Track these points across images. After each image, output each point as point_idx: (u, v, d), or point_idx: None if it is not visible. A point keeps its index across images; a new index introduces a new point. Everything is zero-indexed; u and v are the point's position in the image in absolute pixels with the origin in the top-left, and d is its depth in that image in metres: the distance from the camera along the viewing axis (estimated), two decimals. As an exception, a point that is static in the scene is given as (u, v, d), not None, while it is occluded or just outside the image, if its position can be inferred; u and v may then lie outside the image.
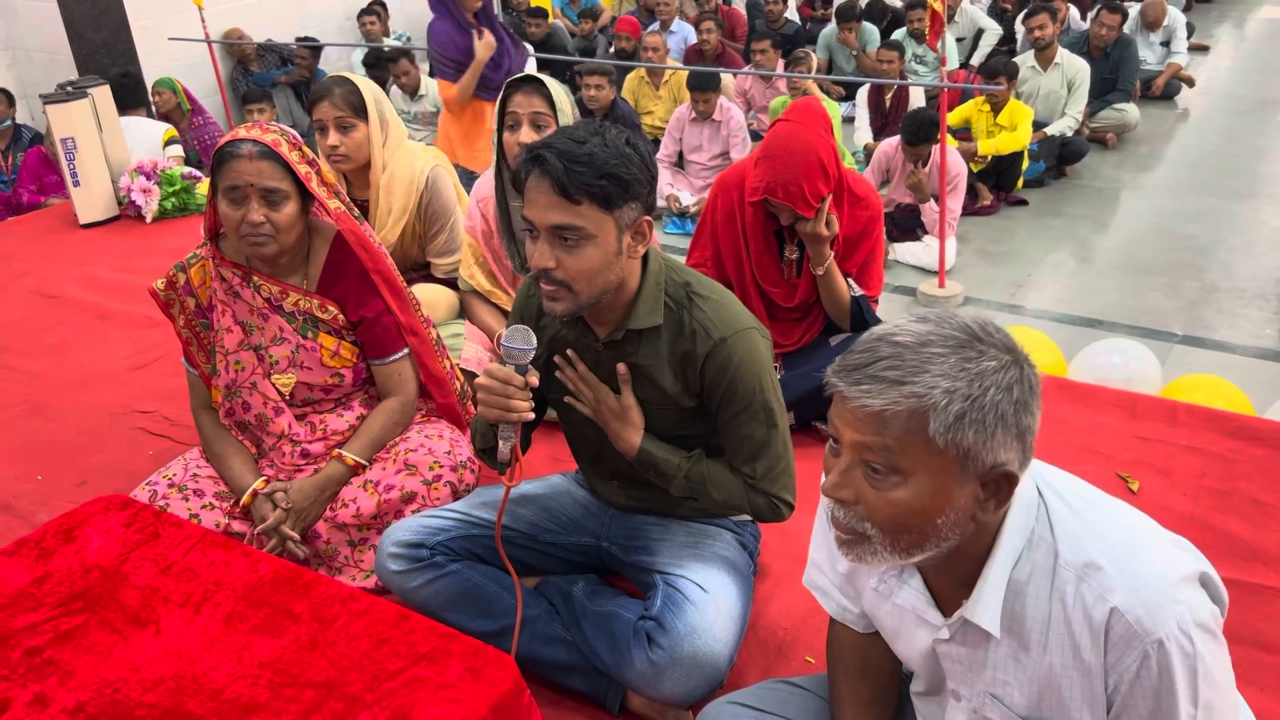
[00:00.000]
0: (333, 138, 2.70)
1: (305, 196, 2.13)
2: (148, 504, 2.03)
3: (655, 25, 8.25)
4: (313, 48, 7.53)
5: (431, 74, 7.07)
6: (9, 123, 5.99)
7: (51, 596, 1.71)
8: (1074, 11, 8.09)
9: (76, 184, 4.54)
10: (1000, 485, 1.12)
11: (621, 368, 1.77)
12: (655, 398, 1.80)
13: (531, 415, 1.68)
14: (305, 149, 2.14)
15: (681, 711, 1.81)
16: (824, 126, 2.49)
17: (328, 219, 2.21)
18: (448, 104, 4.60)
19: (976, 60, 7.62)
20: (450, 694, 1.44)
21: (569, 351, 1.81)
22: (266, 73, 7.58)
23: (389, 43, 7.99)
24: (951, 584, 1.23)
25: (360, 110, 2.72)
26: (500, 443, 1.71)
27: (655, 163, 1.72)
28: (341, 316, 2.22)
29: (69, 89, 4.55)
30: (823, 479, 1.22)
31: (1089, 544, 1.15)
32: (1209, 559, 2.30)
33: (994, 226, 5.63)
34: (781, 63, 6.73)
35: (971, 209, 5.66)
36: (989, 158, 5.79)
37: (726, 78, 7.02)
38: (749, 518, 1.95)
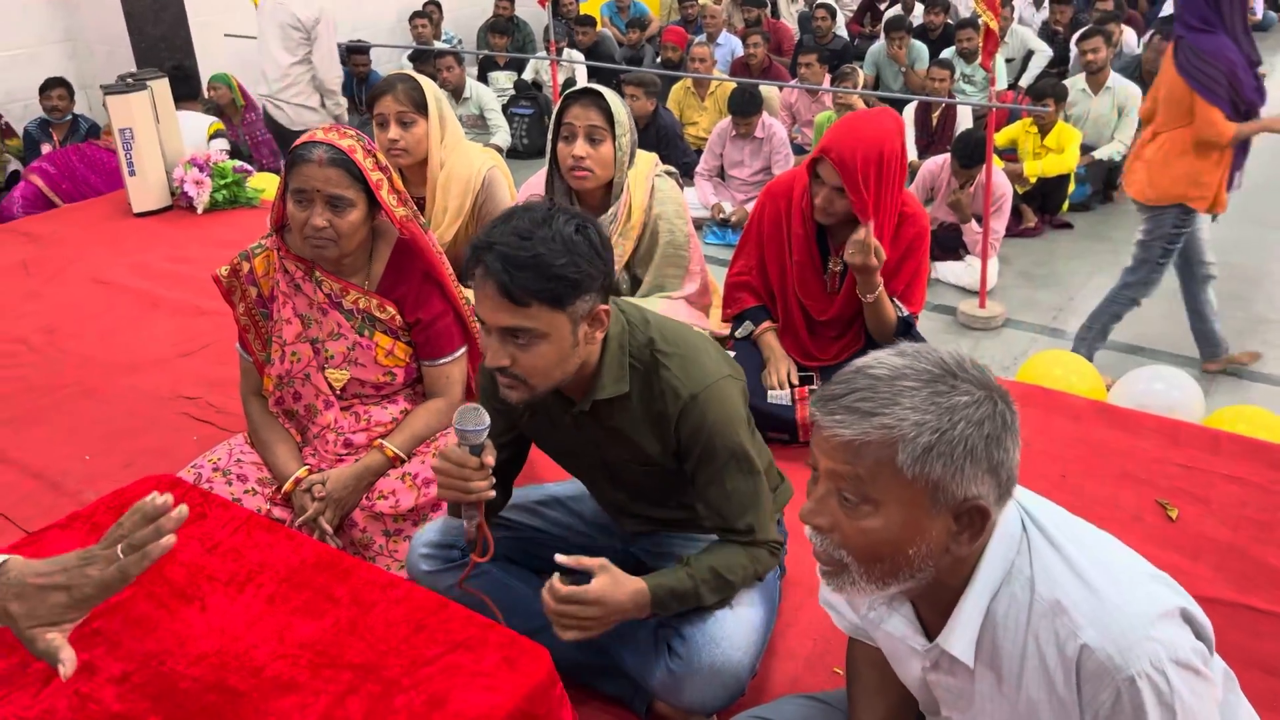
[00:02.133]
0: (393, 131, 2.75)
1: (373, 202, 2.16)
2: (194, 485, 2.08)
3: (702, 36, 8.29)
4: (361, 49, 7.63)
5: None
6: (70, 116, 6.12)
7: (101, 570, 1.75)
8: (1129, 35, 7.96)
9: (132, 174, 4.64)
10: (973, 519, 1.14)
11: (553, 603, 1.61)
12: (639, 458, 1.76)
13: (492, 494, 1.65)
14: (380, 155, 2.17)
15: (704, 719, 1.81)
16: (898, 129, 2.52)
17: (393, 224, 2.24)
18: (1212, 134, 3.67)
19: (1025, 82, 7.56)
20: (485, 682, 1.46)
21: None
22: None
23: (439, 45, 8.08)
24: (937, 614, 1.25)
25: (421, 106, 2.77)
26: (465, 523, 1.69)
27: (610, 245, 1.62)
28: (399, 317, 2.26)
29: (129, 81, 4.65)
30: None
31: (1065, 580, 1.15)
32: (1248, 589, 2.27)
33: (1037, 249, 5.60)
34: (828, 77, 6.73)
35: (1015, 230, 5.63)
36: (1035, 179, 5.76)
37: (772, 91, 7.02)
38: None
